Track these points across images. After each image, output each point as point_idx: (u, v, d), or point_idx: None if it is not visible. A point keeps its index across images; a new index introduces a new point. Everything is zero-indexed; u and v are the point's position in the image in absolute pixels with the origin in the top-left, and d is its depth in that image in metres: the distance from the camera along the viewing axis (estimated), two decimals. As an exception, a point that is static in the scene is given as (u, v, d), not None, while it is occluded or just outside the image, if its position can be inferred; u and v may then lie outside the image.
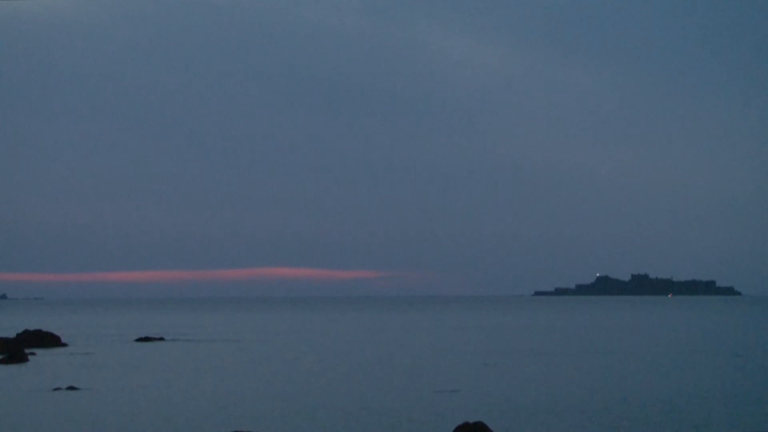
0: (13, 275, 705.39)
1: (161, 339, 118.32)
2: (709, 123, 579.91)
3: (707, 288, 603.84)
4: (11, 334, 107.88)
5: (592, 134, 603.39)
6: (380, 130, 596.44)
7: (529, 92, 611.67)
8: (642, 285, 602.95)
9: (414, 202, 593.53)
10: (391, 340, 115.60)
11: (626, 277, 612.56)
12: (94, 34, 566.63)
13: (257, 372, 71.02)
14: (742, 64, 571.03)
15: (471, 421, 36.81)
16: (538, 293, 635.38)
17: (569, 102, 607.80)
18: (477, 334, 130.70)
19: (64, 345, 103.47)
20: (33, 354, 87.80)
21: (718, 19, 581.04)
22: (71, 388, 57.89)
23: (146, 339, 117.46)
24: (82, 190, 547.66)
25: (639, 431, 41.62)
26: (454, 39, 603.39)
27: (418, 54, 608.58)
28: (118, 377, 66.84)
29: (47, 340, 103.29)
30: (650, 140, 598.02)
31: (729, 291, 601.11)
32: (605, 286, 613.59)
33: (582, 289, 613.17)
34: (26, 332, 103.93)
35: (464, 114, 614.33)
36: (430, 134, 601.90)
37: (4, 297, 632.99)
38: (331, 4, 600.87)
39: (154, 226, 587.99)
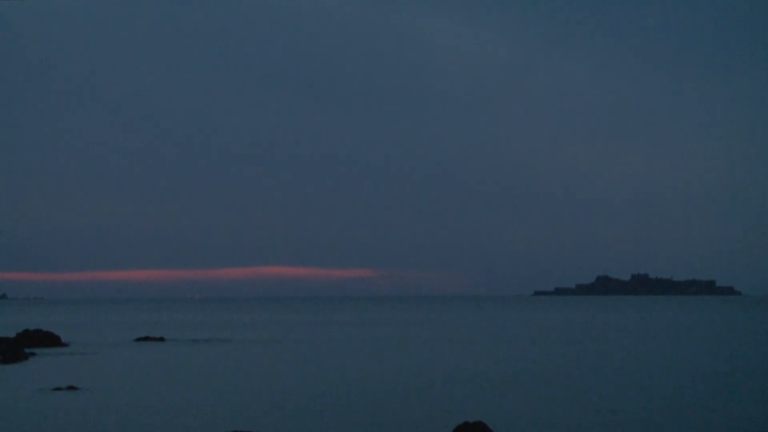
0: (13, 275, 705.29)
1: (161, 339, 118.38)
2: (710, 122, 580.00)
3: (707, 288, 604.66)
4: (11, 333, 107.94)
5: (592, 133, 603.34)
6: (378, 128, 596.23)
7: (529, 90, 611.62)
8: (642, 285, 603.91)
9: (412, 200, 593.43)
10: (390, 339, 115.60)
11: (626, 277, 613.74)
12: (94, 32, 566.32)
13: (257, 371, 71.04)
14: (744, 61, 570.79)
15: (471, 420, 36.81)
16: (538, 293, 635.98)
17: (570, 100, 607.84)
18: (477, 333, 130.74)
19: (64, 345, 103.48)
20: (33, 354, 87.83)
21: (722, 15, 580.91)
22: (71, 387, 57.91)
23: (146, 339, 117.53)
24: (81, 189, 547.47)
25: None
26: (454, 34, 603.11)
27: (416, 50, 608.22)
28: (118, 377, 66.87)
29: (47, 339, 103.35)
30: (651, 139, 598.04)
31: (729, 291, 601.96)
32: (605, 286, 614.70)
33: (582, 289, 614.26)
34: (26, 332, 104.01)
35: (464, 112, 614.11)
36: (429, 132, 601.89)
37: (4, 297, 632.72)
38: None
39: (152, 225, 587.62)
